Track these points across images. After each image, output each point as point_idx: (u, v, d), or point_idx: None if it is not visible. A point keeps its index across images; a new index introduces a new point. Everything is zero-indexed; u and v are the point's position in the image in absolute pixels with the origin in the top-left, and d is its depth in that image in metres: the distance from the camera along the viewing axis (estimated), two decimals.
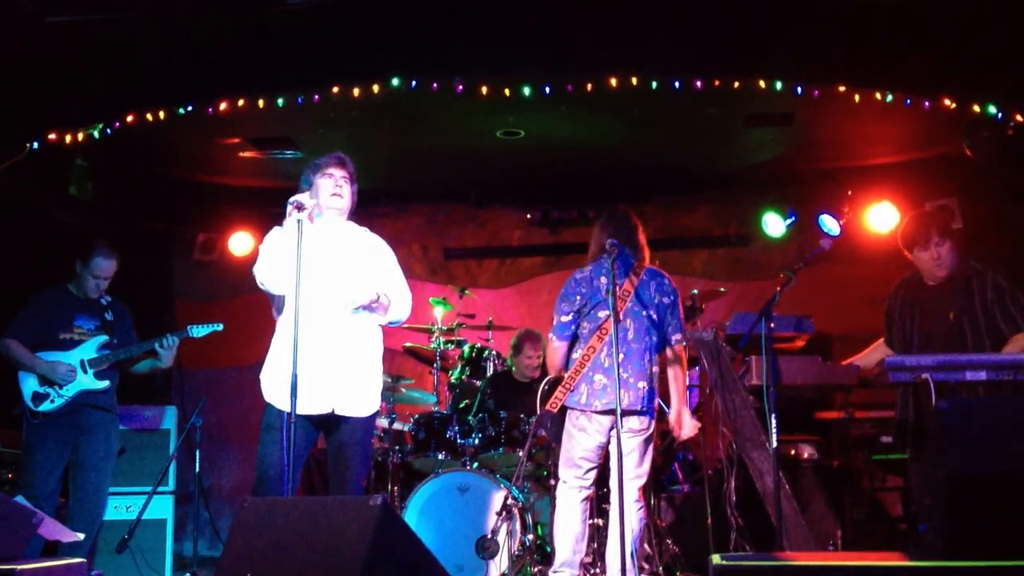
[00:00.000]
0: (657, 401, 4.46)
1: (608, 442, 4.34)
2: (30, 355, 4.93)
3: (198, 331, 5.11)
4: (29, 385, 4.92)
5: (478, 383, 5.89)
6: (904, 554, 3.37)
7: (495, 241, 7.80)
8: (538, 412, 4.57)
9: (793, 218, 6.40)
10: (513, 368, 6.04)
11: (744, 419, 4.53)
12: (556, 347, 4.47)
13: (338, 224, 4.10)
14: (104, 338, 5.06)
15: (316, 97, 5.66)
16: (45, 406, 4.89)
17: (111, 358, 5.02)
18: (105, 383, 5.01)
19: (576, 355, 4.40)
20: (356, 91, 5.59)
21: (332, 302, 3.92)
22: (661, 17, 5.22)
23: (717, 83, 5.47)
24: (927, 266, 4.48)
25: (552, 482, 5.01)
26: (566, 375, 4.41)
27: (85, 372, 4.97)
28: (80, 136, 5.89)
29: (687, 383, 4.48)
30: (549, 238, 7.66)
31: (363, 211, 4.26)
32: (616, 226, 4.49)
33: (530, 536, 5.11)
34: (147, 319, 5.42)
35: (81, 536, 4.40)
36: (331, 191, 4.03)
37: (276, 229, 3.98)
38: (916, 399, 4.36)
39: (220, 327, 5.12)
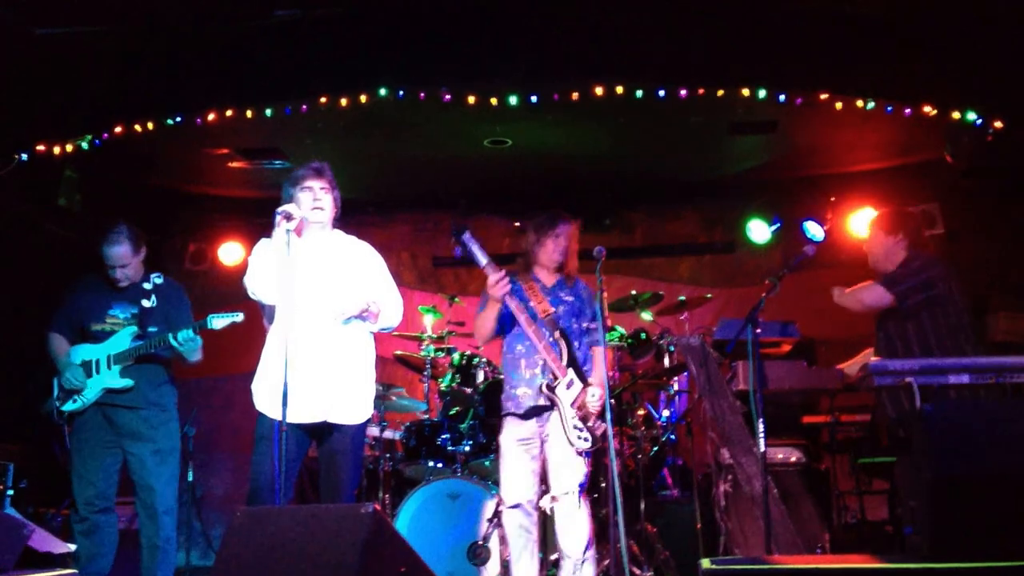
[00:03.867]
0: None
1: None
2: (58, 353, 4.67)
3: (217, 322, 4.50)
4: (58, 383, 4.66)
5: (468, 390, 5.91)
6: (891, 557, 3.41)
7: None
8: None
9: (778, 224, 6.46)
10: None
11: (732, 424, 4.57)
12: None
13: (325, 233, 4.11)
14: (134, 329, 4.66)
15: (304, 107, 5.68)
16: (68, 405, 4.62)
17: (132, 353, 4.60)
18: (128, 381, 4.58)
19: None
20: (344, 101, 5.62)
21: (322, 312, 3.94)
22: (645, 27, 5.28)
23: (701, 92, 5.53)
24: None
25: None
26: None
27: (109, 368, 4.62)
28: (69, 147, 5.90)
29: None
30: None
31: (351, 220, 4.27)
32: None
33: None
34: None
35: (72, 547, 4.37)
36: (311, 204, 3.99)
37: (264, 240, 3.97)
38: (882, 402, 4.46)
39: (240, 317, 4.49)
